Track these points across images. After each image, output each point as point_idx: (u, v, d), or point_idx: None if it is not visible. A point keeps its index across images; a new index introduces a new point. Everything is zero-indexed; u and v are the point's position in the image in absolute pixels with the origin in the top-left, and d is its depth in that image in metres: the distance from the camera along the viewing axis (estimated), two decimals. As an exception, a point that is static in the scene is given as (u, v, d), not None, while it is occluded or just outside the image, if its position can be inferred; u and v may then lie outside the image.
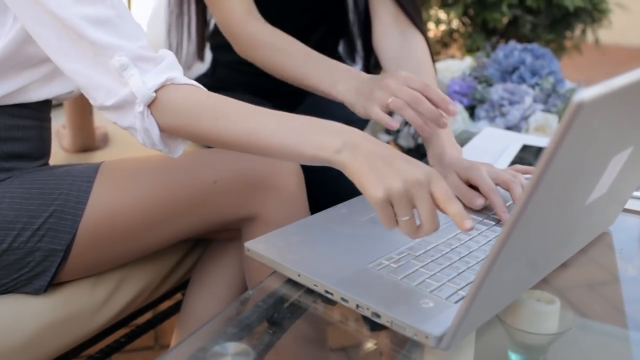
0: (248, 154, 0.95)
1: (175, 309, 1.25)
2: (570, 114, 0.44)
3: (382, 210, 0.65)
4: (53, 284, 0.87)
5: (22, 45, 0.81)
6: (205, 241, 1.08)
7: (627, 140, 0.60)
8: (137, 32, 0.78)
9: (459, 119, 1.60)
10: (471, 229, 0.63)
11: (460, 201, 0.82)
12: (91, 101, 0.78)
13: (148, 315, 1.18)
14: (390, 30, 1.15)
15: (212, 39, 1.41)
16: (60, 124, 1.38)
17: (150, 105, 0.76)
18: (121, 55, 0.74)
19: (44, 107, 0.91)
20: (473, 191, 0.87)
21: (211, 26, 1.38)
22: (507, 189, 0.85)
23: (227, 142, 0.76)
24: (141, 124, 0.76)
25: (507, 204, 0.85)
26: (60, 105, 1.42)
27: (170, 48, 1.33)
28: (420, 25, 1.16)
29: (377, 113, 0.90)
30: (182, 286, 1.11)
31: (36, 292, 0.85)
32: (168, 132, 0.79)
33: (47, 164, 0.95)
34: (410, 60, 1.11)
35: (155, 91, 0.76)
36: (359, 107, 0.95)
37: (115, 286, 0.94)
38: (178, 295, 1.20)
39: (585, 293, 0.76)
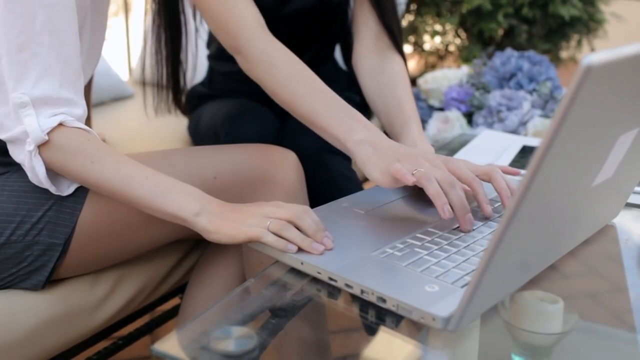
0: (249, 150, 0.96)
1: (173, 313, 1.24)
2: (579, 77, 0.43)
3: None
4: (51, 281, 0.86)
5: None
6: (205, 242, 1.07)
7: (634, 119, 0.60)
8: (59, 71, 0.79)
9: (457, 125, 1.60)
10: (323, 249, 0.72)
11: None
12: None
13: (146, 319, 1.16)
14: (370, 51, 1.15)
15: (209, 49, 1.41)
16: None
17: (40, 145, 0.78)
18: (23, 93, 0.76)
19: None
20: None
21: (205, 37, 1.38)
22: (489, 180, 0.82)
23: (99, 185, 0.79)
24: (29, 162, 0.78)
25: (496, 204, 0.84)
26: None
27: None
28: (400, 48, 1.16)
29: (397, 168, 0.78)
30: (180, 290, 1.10)
31: (34, 288, 0.84)
32: (53, 170, 0.81)
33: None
34: (385, 75, 1.10)
35: (48, 133, 0.77)
36: (371, 168, 0.82)
37: (114, 284, 0.93)
38: (176, 299, 1.19)
39: (588, 299, 0.76)
